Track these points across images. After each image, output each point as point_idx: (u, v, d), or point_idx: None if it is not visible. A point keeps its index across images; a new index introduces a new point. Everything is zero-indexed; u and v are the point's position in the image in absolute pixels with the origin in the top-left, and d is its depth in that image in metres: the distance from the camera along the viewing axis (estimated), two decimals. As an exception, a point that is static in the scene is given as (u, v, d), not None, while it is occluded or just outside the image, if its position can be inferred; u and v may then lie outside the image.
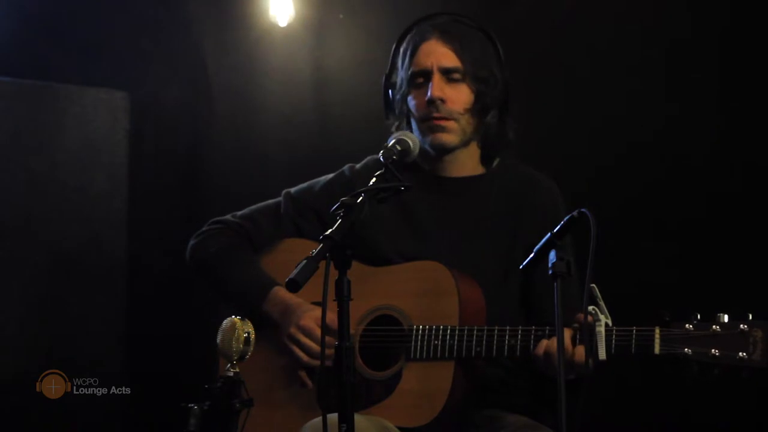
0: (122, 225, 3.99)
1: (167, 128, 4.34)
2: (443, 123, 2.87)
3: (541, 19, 3.96)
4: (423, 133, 2.90)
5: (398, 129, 2.97)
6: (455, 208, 2.93)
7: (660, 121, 3.79)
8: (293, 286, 2.24)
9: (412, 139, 2.68)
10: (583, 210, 2.34)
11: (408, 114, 2.94)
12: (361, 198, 2.39)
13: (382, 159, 2.56)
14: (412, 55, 2.92)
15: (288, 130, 4.37)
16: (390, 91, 2.99)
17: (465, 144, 2.93)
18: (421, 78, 2.90)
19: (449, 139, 2.88)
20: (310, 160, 4.21)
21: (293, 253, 2.90)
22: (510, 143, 2.97)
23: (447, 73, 2.88)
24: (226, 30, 4.38)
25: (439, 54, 2.88)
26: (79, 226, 3.93)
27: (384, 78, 3.01)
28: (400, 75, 2.95)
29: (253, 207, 3.10)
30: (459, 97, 2.88)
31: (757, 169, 3.65)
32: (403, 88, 2.93)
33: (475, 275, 2.80)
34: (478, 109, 2.90)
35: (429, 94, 2.86)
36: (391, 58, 3.00)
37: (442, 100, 2.86)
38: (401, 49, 2.96)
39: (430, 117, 2.87)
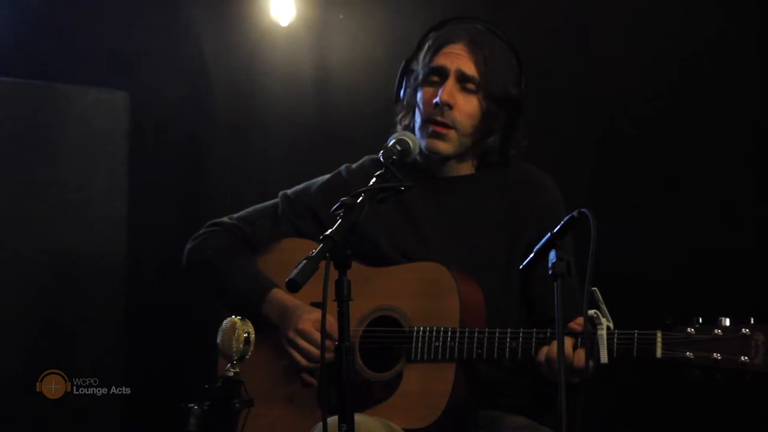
0: (122, 225, 3.99)
1: (167, 128, 4.33)
2: (443, 131, 2.86)
3: (541, 19, 3.96)
4: (422, 133, 2.89)
5: (404, 118, 2.97)
6: (451, 206, 2.93)
7: (660, 120, 3.79)
8: (293, 286, 2.24)
9: (412, 139, 2.68)
10: (583, 210, 2.34)
11: (415, 107, 2.93)
12: (361, 198, 2.39)
13: (381, 159, 2.56)
14: (435, 52, 2.90)
15: (288, 130, 4.37)
16: (405, 78, 2.98)
17: (459, 157, 2.92)
18: (437, 76, 2.89)
19: (444, 147, 2.87)
20: (310, 160, 4.21)
21: (292, 252, 2.90)
22: (509, 162, 2.96)
23: (463, 81, 2.87)
24: (227, 30, 4.38)
25: (461, 59, 2.87)
26: (79, 226, 3.92)
27: (404, 62, 2.99)
28: (419, 67, 2.93)
29: (250, 209, 3.09)
30: (467, 108, 2.87)
31: (759, 172, 3.65)
32: (418, 81, 2.92)
33: (475, 273, 2.80)
34: (482, 128, 2.89)
35: (439, 96, 2.85)
36: (417, 45, 2.97)
37: (450, 106, 2.85)
38: (427, 43, 2.94)
39: (433, 120, 2.87)
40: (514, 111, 2.91)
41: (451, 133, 2.87)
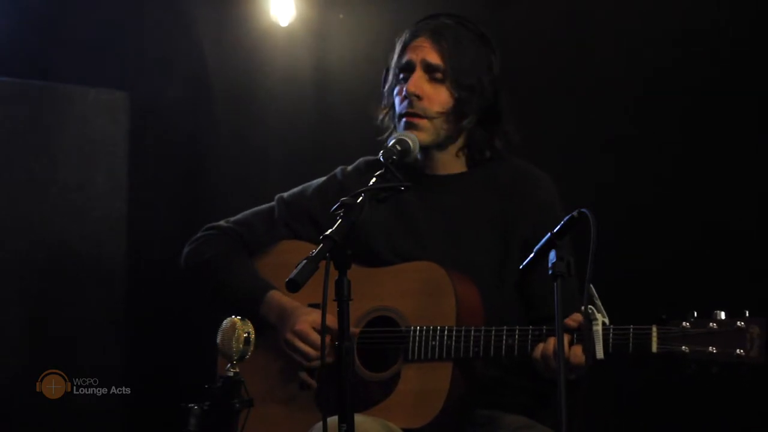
0: (122, 225, 3.99)
1: (167, 128, 4.33)
2: (415, 120, 2.88)
3: (542, 19, 3.96)
4: (399, 127, 2.91)
5: (386, 118, 3.00)
6: (444, 205, 2.94)
7: (658, 120, 3.79)
8: (293, 286, 2.24)
9: (413, 139, 2.70)
10: (583, 210, 2.34)
11: (392, 107, 2.96)
12: (361, 198, 2.40)
13: (382, 159, 2.57)
14: (403, 50, 2.94)
15: (288, 130, 4.37)
16: (385, 84, 3.01)
17: (440, 146, 2.93)
18: (406, 72, 2.92)
19: (421, 137, 2.87)
20: (310, 160, 4.21)
21: (290, 254, 2.90)
22: (498, 152, 2.97)
23: (429, 71, 2.89)
24: (227, 30, 4.38)
25: (425, 50, 2.90)
26: (79, 226, 3.92)
27: (385, 69, 3.02)
28: (391, 69, 2.97)
29: (247, 212, 3.11)
30: (437, 97, 2.88)
31: (753, 167, 3.65)
32: (390, 81, 2.97)
33: (470, 271, 2.81)
34: (455, 114, 2.90)
35: (405, 88, 2.87)
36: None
37: (418, 97, 2.87)
38: (397, 45, 2.97)
39: (405, 112, 2.89)
40: (490, 97, 2.91)
41: (424, 123, 2.88)
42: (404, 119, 2.89)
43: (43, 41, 4.17)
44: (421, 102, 2.87)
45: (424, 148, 2.90)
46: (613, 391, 3.57)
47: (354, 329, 2.79)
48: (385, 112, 3.01)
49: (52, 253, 3.87)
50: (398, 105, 2.92)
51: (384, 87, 3.02)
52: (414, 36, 2.93)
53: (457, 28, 2.93)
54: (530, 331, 2.65)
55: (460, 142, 2.95)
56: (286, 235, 3.04)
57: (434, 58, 2.88)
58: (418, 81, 2.88)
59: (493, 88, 2.92)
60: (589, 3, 3.91)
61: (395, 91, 2.95)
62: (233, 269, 3.00)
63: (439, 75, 2.88)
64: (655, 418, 3.71)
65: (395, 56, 2.96)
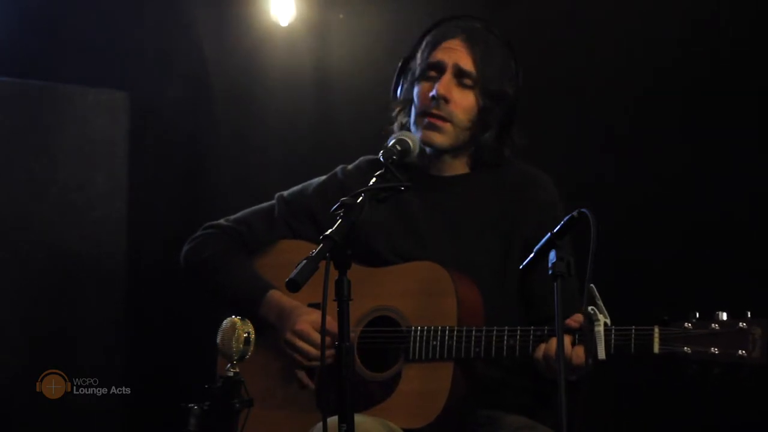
0: (122, 225, 3.99)
1: (167, 128, 4.34)
2: (439, 123, 2.87)
3: (541, 19, 3.96)
4: (417, 126, 2.90)
5: (400, 115, 2.98)
6: (447, 205, 2.94)
7: (658, 120, 3.79)
8: (293, 286, 2.24)
9: (412, 139, 2.69)
10: (583, 210, 2.34)
11: (412, 103, 2.94)
12: (361, 198, 2.39)
13: (381, 159, 2.56)
14: (433, 48, 2.91)
15: (288, 130, 4.37)
16: (402, 77, 2.99)
17: (455, 151, 2.93)
18: (434, 71, 2.90)
19: (440, 139, 2.88)
20: (310, 160, 4.21)
21: (290, 254, 2.90)
22: (504, 160, 2.96)
23: (460, 76, 2.87)
24: (227, 30, 4.38)
25: (458, 54, 2.88)
26: (79, 226, 3.92)
27: (402, 60, 3.00)
28: (417, 63, 2.95)
29: (247, 210, 3.10)
30: (464, 102, 2.87)
31: (753, 167, 3.65)
32: (415, 77, 2.94)
33: (471, 272, 2.81)
34: (478, 122, 2.89)
35: (435, 89, 2.86)
36: (414, 45, 2.98)
37: (446, 100, 2.86)
38: (425, 40, 2.95)
39: (429, 112, 2.87)
40: (509, 109, 2.91)
41: (447, 126, 2.88)
42: (427, 119, 2.87)
43: (43, 41, 4.17)
44: (447, 105, 2.86)
45: (438, 151, 2.90)
46: (614, 391, 3.57)
47: (354, 330, 2.79)
48: (399, 108, 2.99)
49: (52, 253, 3.88)
50: (419, 102, 2.91)
51: (398, 79, 2.99)
52: (445, 36, 2.91)
53: (488, 35, 2.91)
54: (532, 332, 2.65)
55: (472, 149, 2.95)
56: (286, 233, 3.04)
57: (467, 64, 2.87)
58: (448, 84, 2.87)
59: (514, 98, 2.91)
60: (589, 3, 3.91)
61: (417, 88, 2.92)
62: (232, 269, 3.00)
63: (468, 81, 2.87)
64: (656, 418, 3.71)
65: (423, 52, 2.92)
